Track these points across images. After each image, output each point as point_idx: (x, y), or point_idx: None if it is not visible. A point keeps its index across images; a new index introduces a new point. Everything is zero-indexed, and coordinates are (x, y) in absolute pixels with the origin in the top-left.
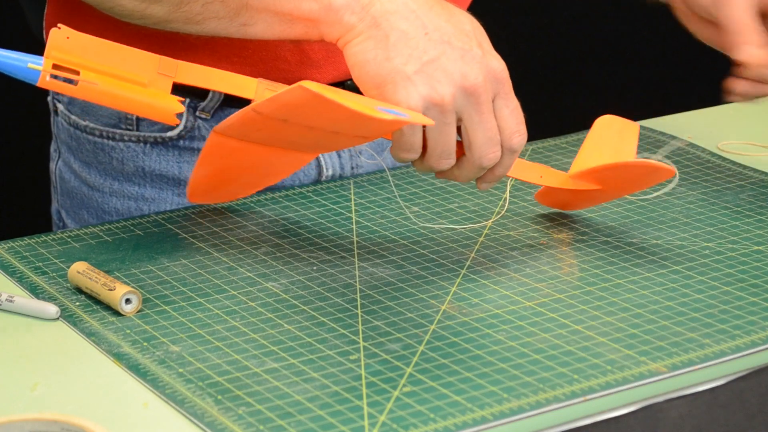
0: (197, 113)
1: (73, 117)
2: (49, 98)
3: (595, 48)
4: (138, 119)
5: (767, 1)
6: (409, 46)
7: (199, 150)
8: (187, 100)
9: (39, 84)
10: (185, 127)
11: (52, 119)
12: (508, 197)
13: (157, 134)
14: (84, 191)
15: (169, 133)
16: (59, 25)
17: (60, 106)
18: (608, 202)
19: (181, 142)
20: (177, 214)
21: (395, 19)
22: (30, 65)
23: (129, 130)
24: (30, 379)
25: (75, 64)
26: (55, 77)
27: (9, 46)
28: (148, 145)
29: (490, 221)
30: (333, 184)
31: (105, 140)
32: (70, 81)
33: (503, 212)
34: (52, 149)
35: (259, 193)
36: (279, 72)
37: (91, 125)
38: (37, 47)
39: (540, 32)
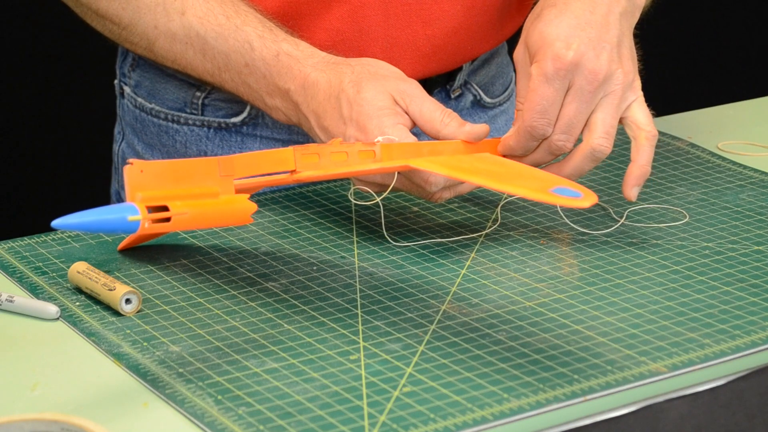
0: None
1: (139, 99)
2: (116, 81)
3: None
4: (203, 104)
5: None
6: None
7: (261, 137)
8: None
9: (139, 233)
10: (249, 114)
11: (117, 101)
12: (499, 212)
13: (221, 120)
14: None
15: (233, 120)
16: (129, 160)
17: (126, 89)
18: (610, 205)
19: (245, 128)
20: None
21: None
22: (130, 218)
23: (194, 114)
24: (30, 379)
25: (160, 198)
26: (154, 220)
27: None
28: (211, 130)
29: (484, 233)
30: (333, 184)
31: (170, 123)
32: (165, 219)
33: (495, 226)
34: (116, 131)
35: (258, 193)
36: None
37: (157, 108)
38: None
39: None
